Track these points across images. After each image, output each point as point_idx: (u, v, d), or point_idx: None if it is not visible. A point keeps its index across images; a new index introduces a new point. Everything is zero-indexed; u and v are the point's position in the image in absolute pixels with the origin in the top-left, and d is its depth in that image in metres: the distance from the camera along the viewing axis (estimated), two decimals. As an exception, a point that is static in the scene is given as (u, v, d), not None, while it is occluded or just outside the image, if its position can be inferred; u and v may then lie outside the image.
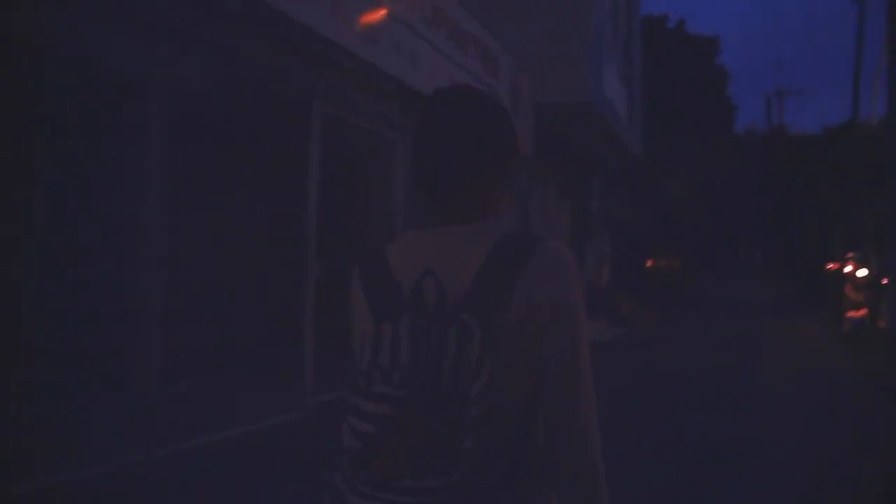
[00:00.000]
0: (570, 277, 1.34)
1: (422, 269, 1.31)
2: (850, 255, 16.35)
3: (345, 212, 7.85)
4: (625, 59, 15.71)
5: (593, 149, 15.17)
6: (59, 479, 3.96)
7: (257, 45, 5.55)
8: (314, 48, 6.01)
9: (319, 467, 1.36)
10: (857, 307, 14.55)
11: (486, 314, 1.26)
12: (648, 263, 23.16)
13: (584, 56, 11.59)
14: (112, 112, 4.87)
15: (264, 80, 6.20)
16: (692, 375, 10.18)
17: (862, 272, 16.01)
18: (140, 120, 4.88)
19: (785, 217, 23.55)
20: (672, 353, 12.69)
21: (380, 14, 6.64)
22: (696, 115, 28.70)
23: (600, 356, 10.57)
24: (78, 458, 4.10)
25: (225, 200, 6.22)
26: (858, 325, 14.15)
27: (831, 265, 20.35)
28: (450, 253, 1.35)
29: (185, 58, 5.10)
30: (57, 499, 3.93)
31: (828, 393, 9.35)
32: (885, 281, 13.39)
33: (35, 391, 4.12)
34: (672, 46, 31.59)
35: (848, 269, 15.81)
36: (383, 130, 7.98)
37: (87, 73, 4.62)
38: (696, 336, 15.15)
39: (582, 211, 16.52)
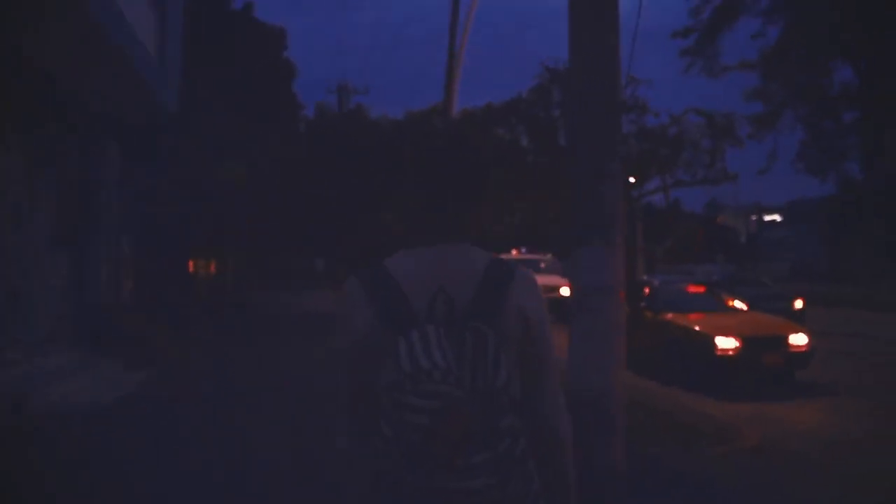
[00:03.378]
0: (540, 295, 1.76)
1: (433, 284, 1.63)
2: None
3: None
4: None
5: (99, 90, 9.60)
6: None
7: None
8: None
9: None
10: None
11: (489, 322, 1.59)
12: (190, 268, 17.99)
13: None
14: None
15: None
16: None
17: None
18: None
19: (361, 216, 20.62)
20: (211, 419, 7.84)
21: None
22: (258, 102, 25.06)
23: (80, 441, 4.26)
24: None
25: None
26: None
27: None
28: (453, 270, 1.68)
29: None
30: None
31: None
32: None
33: None
34: (236, 30, 28.26)
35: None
36: None
37: None
38: (249, 379, 10.44)
39: (82, 192, 10.76)
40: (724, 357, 9.93)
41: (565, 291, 19.66)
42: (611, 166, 5.25)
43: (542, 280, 16.59)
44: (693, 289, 12.31)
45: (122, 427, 7.31)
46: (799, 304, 15.29)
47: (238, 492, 5.38)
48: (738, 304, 12.00)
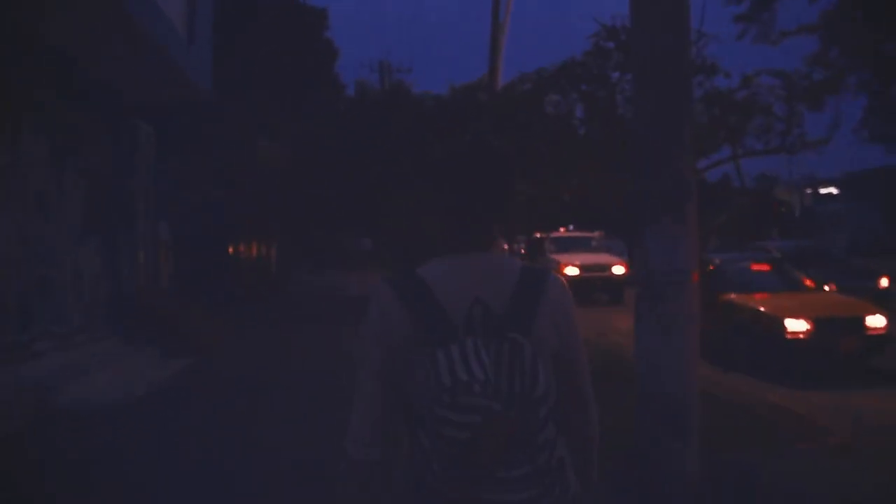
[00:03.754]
0: (571, 302, 1.77)
1: (468, 294, 1.61)
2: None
3: None
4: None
5: (123, 69, 9.19)
6: None
7: None
8: None
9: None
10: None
11: (525, 331, 1.57)
12: (230, 250, 17.66)
13: None
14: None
15: None
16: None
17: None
18: None
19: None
20: (248, 413, 7.41)
21: None
22: (298, 83, 24.64)
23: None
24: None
25: None
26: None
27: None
28: (486, 279, 1.66)
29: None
30: None
31: None
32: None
33: None
34: (275, 10, 27.92)
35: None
36: None
37: None
38: (289, 369, 10.00)
39: (113, 176, 10.41)
40: (795, 341, 9.18)
41: (618, 270, 18.96)
42: (682, 132, 4.59)
43: (594, 259, 15.83)
44: (758, 267, 11.49)
45: (153, 421, 6.93)
46: (884, 282, 14.02)
47: (268, 490, 4.92)
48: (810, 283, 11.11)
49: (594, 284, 18.11)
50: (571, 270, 18.35)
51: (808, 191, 64.26)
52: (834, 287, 11.39)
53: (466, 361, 1.47)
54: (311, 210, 22.80)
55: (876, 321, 9.42)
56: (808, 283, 11.10)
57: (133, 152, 10.76)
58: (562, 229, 26.29)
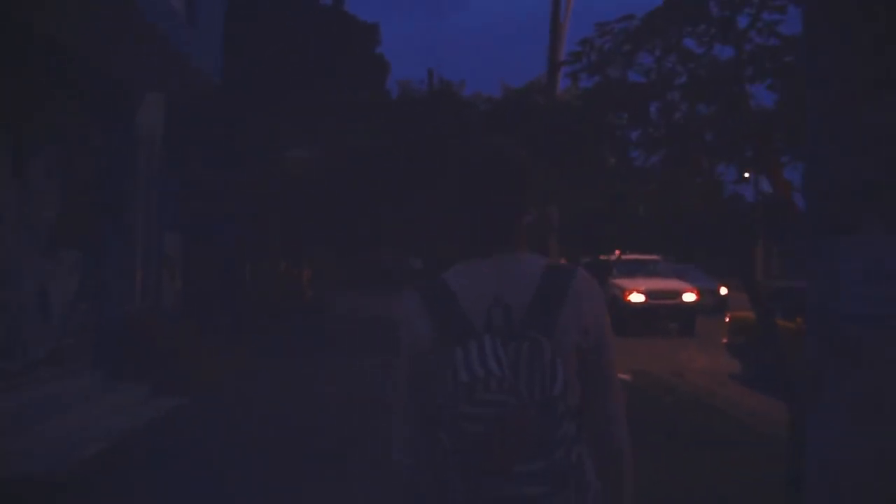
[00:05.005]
0: (601, 300, 1.75)
1: (489, 294, 1.62)
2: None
3: None
4: None
5: (106, 48, 7.64)
6: None
7: None
8: None
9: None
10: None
11: (546, 330, 1.58)
12: (255, 270, 16.09)
13: None
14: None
15: None
16: None
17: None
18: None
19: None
20: (248, 471, 5.66)
21: None
22: (346, 96, 23.39)
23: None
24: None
25: None
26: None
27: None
28: (510, 280, 1.67)
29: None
30: None
31: None
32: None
33: None
34: (327, 25, 27.17)
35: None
36: None
37: None
38: (306, 411, 8.21)
39: (99, 181, 8.85)
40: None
41: (688, 297, 16.85)
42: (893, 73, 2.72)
43: (662, 284, 13.53)
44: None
45: (103, 491, 5.26)
46: None
47: None
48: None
49: (662, 313, 16.15)
50: (637, 297, 16.39)
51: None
52: None
53: (483, 358, 1.50)
54: (353, 225, 21.20)
55: None
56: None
57: (129, 152, 9.17)
58: (617, 252, 24.12)
